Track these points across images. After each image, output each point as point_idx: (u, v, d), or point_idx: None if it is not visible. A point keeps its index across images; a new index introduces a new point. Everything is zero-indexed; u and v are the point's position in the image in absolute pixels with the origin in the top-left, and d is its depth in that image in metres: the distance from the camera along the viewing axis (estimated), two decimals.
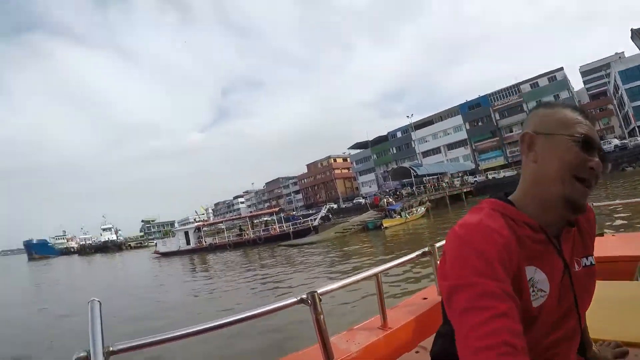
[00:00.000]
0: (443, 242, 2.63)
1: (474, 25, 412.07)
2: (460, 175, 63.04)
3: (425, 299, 2.94)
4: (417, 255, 2.84)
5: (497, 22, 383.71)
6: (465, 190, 54.08)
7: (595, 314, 1.43)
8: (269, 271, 19.44)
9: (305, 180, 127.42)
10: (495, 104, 76.60)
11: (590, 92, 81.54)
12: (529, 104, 71.58)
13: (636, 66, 62.29)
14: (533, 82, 74.62)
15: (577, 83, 79.88)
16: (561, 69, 72.43)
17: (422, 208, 40.70)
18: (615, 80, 67.76)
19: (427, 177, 56.69)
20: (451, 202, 48.25)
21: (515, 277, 0.96)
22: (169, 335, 1.55)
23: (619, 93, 66.93)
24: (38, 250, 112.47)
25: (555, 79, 72.26)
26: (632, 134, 61.85)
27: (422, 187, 53.13)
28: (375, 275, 2.49)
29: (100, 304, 1.39)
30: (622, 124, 70.41)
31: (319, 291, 1.98)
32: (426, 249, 2.88)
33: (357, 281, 2.39)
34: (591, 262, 1.19)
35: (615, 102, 72.21)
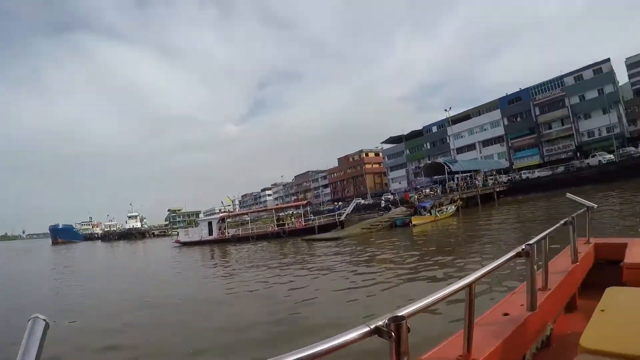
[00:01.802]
0: (537, 238, 2.72)
1: (516, 13, 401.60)
2: (493, 173, 61.51)
3: (506, 314, 2.58)
4: (511, 257, 2.44)
5: (540, 9, 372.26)
6: (498, 189, 52.71)
7: None
8: (287, 271, 17.82)
9: (335, 174, 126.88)
10: (537, 98, 72.75)
11: (635, 87, 73.66)
12: (571, 98, 68.37)
13: None
14: (577, 74, 69.87)
15: (622, 77, 73.47)
16: (608, 60, 67.24)
17: (453, 207, 39.73)
18: None
19: (460, 174, 54.80)
20: (482, 202, 47.11)
21: None
22: None
23: None
24: (62, 235, 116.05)
25: (601, 71, 67.01)
26: None
27: (454, 185, 51.71)
28: (469, 286, 1.99)
29: (47, 324, 0.99)
30: None
31: (405, 314, 1.44)
32: (522, 248, 2.49)
33: (448, 295, 1.81)
34: None
35: None
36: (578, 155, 64.33)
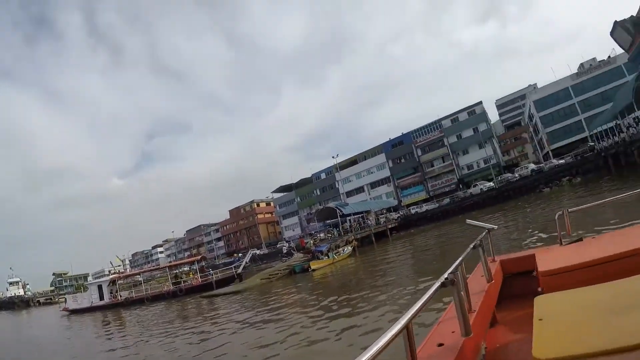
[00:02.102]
0: (454, 265, 2.75)
1: (398, 66, 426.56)
2: (384, 212, 63.84)
3: (441, 344, 2.53)
4: (438, 287, 2.44)
5: (420, 62, 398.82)
6: (390, 226, 54.75)
7: None
8: (191, 331, 17.39)
9: (228, 226, 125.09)
10: (418, 140, 79.59)
11: (505, 123, 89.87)
12: (449, 138, 75.74)
13: (549, 94, 69.44)
14: (453, 117, 77.71)
15: (493, 116, 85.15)
16: (480, 103, 75.95)
17: (349, 247, 39.79)
18: (530, 110, 74.57)
19: (352, 216, 56.47)
20: (376, 239, 47.98)
21: None
22: None
23: (534, 121, 73.55)
24: None
25: (475, 112, 75.50)
26: (546, 157, 67.57)
27: (348, 227, 52.86)
28: (405, 327, 1.87)
29: None
30: (538, 149, 75.93)
31: None
32: (446, 278, 2.50)
33: (388, 342, 1.67)
34: None
35: (530, 129, 78.14)
36: (461, 186, 70.59)
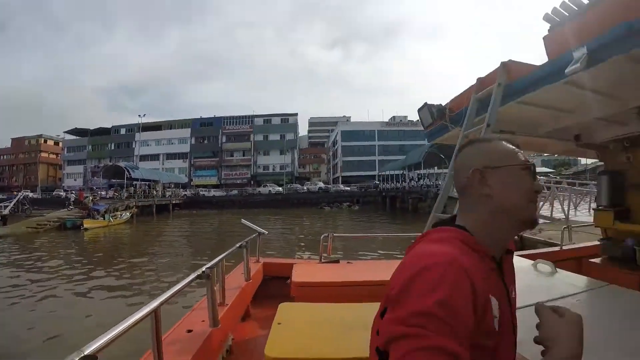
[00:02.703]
0: (214, 261, 2.98)
1: (239, 51, 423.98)
2: (171, 186, 63.04)
3: (190, 331, 2.72)
4: (193, 279, 2.57)
5: (260, 56, 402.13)
6: (174, 201, 54.81)
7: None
8: None
9: (5, 156, 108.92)
10: (227, 128, 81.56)
11: (312, 140, 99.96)
12: (256, 135, 79.78)
13: (357, 130, 78.50)
14: (267, 118, 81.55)
15: (303, 129, 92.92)
16: (295, 114, 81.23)
17: (128, 213, 38.78)
18: (336, 136, 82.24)
19: (140, 182, 54.82)
20: (157, 212, 47.33)
21: (482, 312, 0.97)
22: None
23: (336, 147, 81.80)
24: None
25: (288, 121, 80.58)
26: (335, 181, 76.85)
27: (132, 191, 51.22)
28: (154, 311, 1.96)
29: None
30: (331, 172, 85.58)
31: (92, 352, 1.38)
32: (202, 271, 2.66)
33: (135, 323, 1.73)
34: (515, 291, 1.25)
35: (330, 153, 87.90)
36: (252, 183, 74.04)
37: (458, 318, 0.84)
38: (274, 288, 4.80)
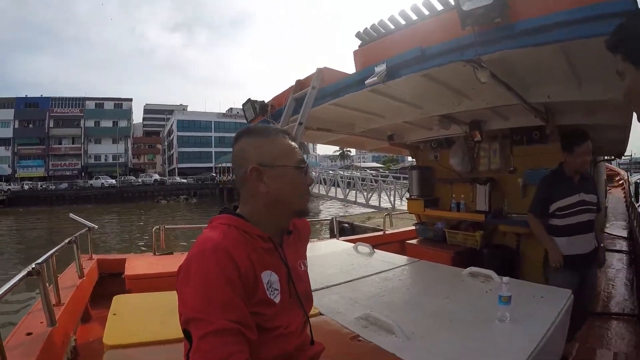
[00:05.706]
0: (44, 257, 2.73)
1: (73, 23, 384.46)
2: None
3: (30, 333, 2.51)
4: (23, 276, 2.37)
5: (94, 30, 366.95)
6: None
7: None
8: None
9: None
10: (55, 110, 71.58)
11: (146, 128, 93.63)
12: (87, 121, 72.60)
13: (194, 120, 77.14)
14: (100, 102, 74.88)
15: (137, 116, 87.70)
16: (130, 100, 76.80)
17: None
18: (172, 126, 79.36)
19: None
20: None
21: (253, 285, 1.16)
22: None
23: (171, 137, 79.42)
24: None
25: (122, 107, 75.52)
26: (172, 173, 74.59)
27: None
28: None
29: None
30: (167, 163, 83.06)
31: None
32: (32, 267, 2.44)
33: None
34: (306, 265, 1.51)
35: (166, 143, 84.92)
36: (83, 175, 67.90)
37: (220, 296, 1.04)
38: (112, 285, 4.54)
